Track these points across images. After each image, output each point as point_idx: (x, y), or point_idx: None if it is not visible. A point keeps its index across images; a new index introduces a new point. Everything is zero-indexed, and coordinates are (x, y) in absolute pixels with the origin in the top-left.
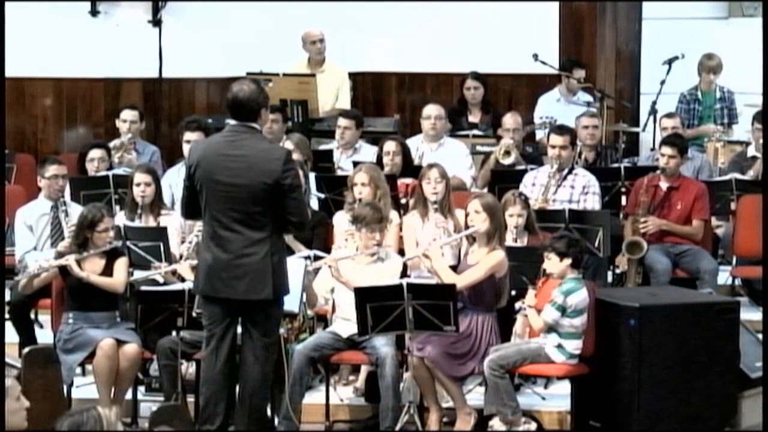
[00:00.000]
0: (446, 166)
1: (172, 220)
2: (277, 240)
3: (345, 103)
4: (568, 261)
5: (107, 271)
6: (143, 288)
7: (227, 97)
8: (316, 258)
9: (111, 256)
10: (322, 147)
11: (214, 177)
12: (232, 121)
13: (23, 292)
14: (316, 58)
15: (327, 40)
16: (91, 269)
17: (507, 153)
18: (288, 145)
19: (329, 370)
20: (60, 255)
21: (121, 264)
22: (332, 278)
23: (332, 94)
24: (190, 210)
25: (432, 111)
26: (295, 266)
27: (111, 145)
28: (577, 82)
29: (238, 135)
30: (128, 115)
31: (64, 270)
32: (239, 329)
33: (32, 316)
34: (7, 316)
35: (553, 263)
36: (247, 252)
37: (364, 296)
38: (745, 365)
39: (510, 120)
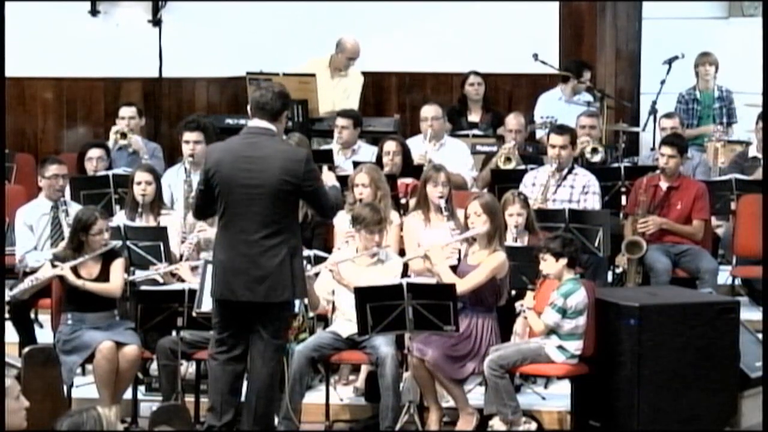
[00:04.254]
0: (448, 165)
1: (172, 220)
2: (296, 243)
3: (353, 104)
4: (564, 261)
5: (104, 273)
6: (143, 288)
7: (252, 97)
8: (317, 259)
9: (107, 258)
10: (322, 147)
11: (233, 180)
12: (250, 123)
13: (20, 297)
14: (340, 65)
15: (326, 39)
16: (87, 273)
17: (508, 159)
18: None
19: (329, 370)
20: (55, 258)
21: (117, 266)
22: (333, 280)
23: (347, 96)
24: (204, 212)
25: (428, 112)
26: None
27: (112, 131)
28: (582, 84)
29: (256, 137)
30: (126, 111)
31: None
32: None
33: (32, 315)
34: (7, 315)
35: (549, 264)
36: (267, 255)
37: (364, 296)
38: (745, 365)
39: (513, 121)
